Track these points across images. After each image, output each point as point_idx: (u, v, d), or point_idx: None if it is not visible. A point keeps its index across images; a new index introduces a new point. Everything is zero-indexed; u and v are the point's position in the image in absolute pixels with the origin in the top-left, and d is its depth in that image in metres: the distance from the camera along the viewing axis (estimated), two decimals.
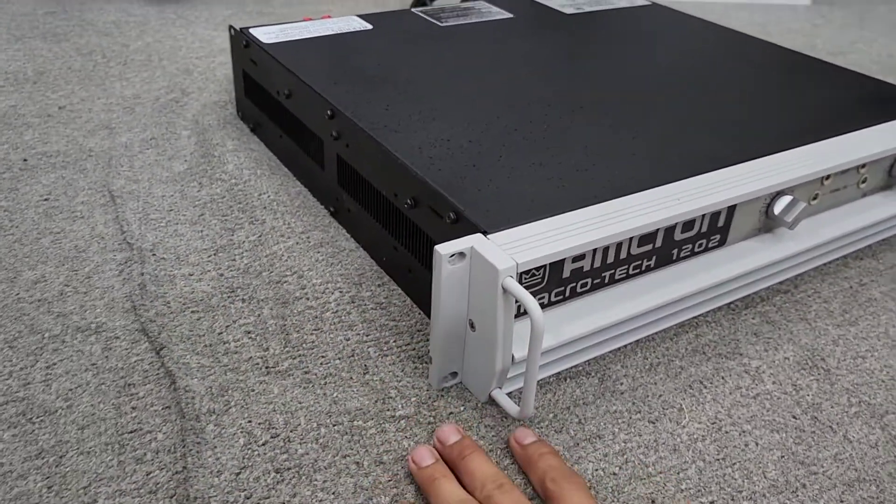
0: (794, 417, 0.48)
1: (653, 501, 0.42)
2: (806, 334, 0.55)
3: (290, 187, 0.71)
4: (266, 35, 0.77)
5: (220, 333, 0.53)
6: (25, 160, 0.74)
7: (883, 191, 0.66)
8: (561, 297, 0.49)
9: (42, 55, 1.01)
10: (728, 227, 0.56)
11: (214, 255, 0.61)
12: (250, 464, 0.43)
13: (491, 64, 0.72)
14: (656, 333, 0.55)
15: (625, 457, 0.45)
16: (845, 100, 0.68)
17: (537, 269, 0.47)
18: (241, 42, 0.78)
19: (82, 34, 1.10)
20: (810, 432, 0.47)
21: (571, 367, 0.51)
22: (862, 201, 0.64)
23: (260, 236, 0.63)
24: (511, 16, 0.87)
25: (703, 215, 0.53)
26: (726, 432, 0.47)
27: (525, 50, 0.76)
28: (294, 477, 0.42)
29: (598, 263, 0.50)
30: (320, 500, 0.41)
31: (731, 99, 0.66)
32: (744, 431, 0.47)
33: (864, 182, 0.63)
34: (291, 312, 0.55)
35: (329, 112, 0.62)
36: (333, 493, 0.42)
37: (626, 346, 0.53)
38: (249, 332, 0.53)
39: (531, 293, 0.47)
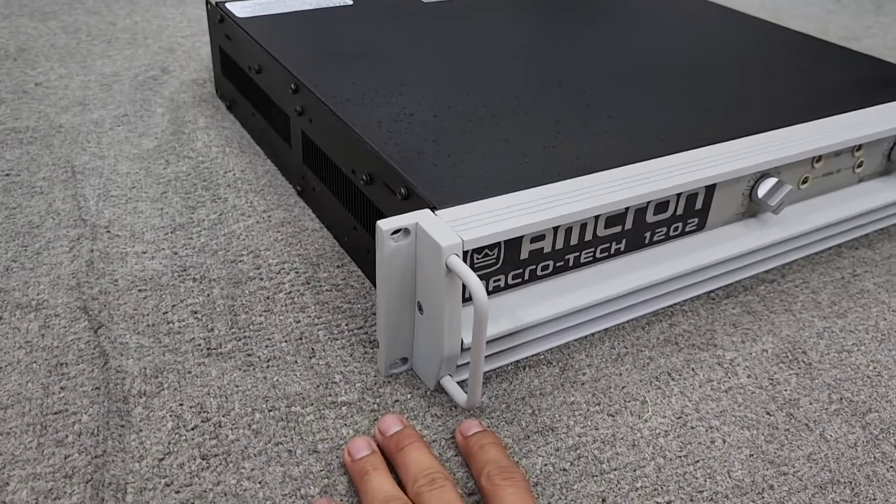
0: (767, 414, 0.45)
1: (603, 500, 0.39)
2: (789, 326, 0.52)
3: (259, 166, 0.68)
4: (242, 9, 0.74)
5: (165, 313, 0.50)
6: None
7: (881, 176, 0.62)
8: (519, 279, 0.46)
9: (27, 32, 0.99)
10: (707, 210, 0.52)
11: (171, 233, 0.58)
12: (175, 449, 0.40)
13: (472, 41, 0.69)
14: (627, 322, 0.52)
15: (578, 451, 0.42)
16: (845, 80, 0.64)
17: (491, 248, 0.43)
18: (217, 17, 0.75)
19: (70, 12, 1.08)
20: (784, 430, 0.44)
21: (532, 356, 0.48)
22: (858, 187, 0.60)
23: (220, 214, 0.61)
24: None
25: (679, 196, 0.50)
26: (692, 428, 0.44)
27: (510, 27, 0.73)
28: (221, 464, 0.40)
29: (560, 245, 0.46)
30: (245, 490, 0.39)
31: (723, 78, 0.63)
32: (711, 427, 0.44)
33: (860, 166, 0.59)
34: (243, 293, 0.52)
35: (293, 86, 0.59)
36: (260, 483, 0.39)
37: (593, 334, 0.50)
38: (196, 313, 0.50)
39: (485, 274, 0.44)
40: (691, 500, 0.39)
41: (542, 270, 0.47)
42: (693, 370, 0.48)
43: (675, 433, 0.43)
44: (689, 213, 0.51)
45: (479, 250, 0.43)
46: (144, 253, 0.56)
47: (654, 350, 0.49)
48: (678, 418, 0.44)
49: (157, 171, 0.67)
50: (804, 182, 0.56)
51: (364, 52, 0.65)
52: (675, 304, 0.53)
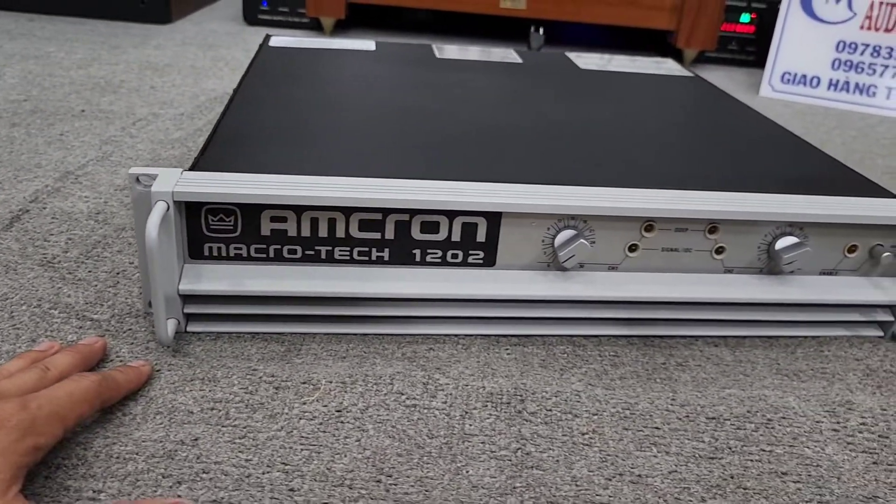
0: (428, 437, 0.43)
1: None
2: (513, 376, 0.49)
3: None
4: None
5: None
6: None
7: (764, 274, 0.55)
8: (263, 255, 0.51)
9: None
10: (494, 245, 0.52)
11: None
12: None
13: (435, 92, 0.75)
14: (365, 335, 0.52)
15: (224, 405, 0.45)
16: (769, 167, 0.59)
17: (226, 213, 0.49)
18: None
19: None
20: (419, 455, 0.42)
21: (260, 332, 0.51)
22: (720, 276, 0.54)
23: None
24: (521, 61, 0.88)
25: (451, 221, 0.50)
26: (342, 422, 0.44)
27: (485, 82, 0.77)
28: None
29: (306, 232, 0.50)
30: None
31: (625, 139, 0.61)
32: (359, 427, 0.44)
33: (720, 252, 0.54)
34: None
35: None
36: None
37: (328, 334, 0.52)
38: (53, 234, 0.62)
39: (223, 238, 0.49)
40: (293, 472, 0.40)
41: (289, 253, 0.51)
42: (394, 381, 0.48)
43: (319, 420, 0.44)
44: (469, 243, 0.51)
45: (213, 212, 0.49)
46: None
47: (381, 356, 0.50)
48: (338, 412, 0.45)
49: None
50: (632, 249, 0.53)
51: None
52: (427, 335, 0.53)
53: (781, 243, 0.53)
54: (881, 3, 1.18)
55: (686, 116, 0.71)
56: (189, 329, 0.51)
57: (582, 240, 0.50)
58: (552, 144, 0.60)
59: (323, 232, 0.50)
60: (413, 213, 0.50)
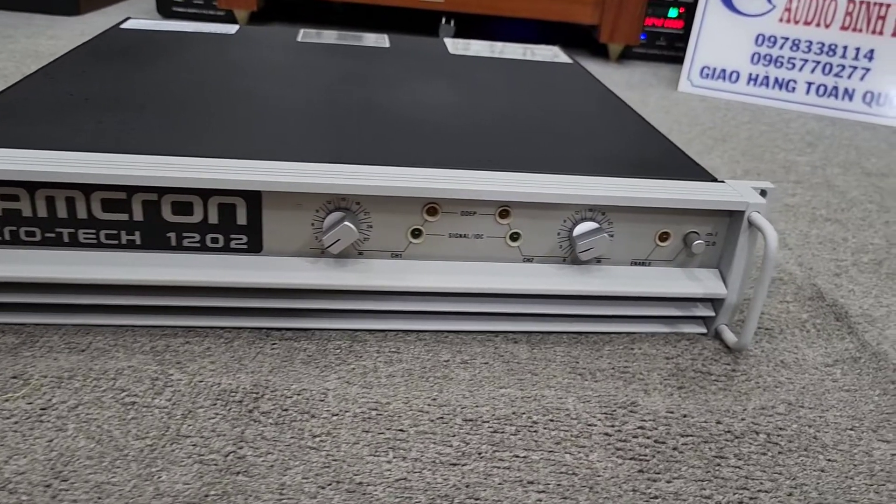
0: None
1: None
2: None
3: None
4: None
5: None
6: None
7: (572, 264, 0.50)
8: None
9: None
10: (258, 229, 0.47)
11: None
12: None
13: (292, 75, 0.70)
14: (119, 326, 0.48)
15: None
16: (591, 150, 0.54)
17: None
18: None
19: None
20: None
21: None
22: (518, 266, 0.50)
23: None
24: (388, 46, 0.83)
25: (205, 202, 0.46)
26: (41, 421, 0.39)
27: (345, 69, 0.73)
28: None
29: (43, 213, 0.45)
30: None
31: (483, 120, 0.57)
32: (65, 423, 0.39)
33: (515, 238, 0.49)
34: None
35: None
36: None
37: (77, 325, 0.47)
38: None
39: None
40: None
41: (26, 236, 0.46)
42: (119, 377, 0.43)
43: (16, 418, 0.39)
44: (230, 226, 0.47)
45: None
46: None
47: (126, 349, 0.45)
48: (42, 410, 0.40)
49: None
50: (416, 235, 0.48)
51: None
52: (192, 326, 0.48)
53: (579, 229, 0.48)
54: None
55: (529, 99, 0.67)
56: None
57: (347, 223, 0.46)
58: (349, 123, 0.55)
59: (62, 212, 0.46)
60: (161, 192, 0.45)
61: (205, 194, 0.46)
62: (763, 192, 0.51)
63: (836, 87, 1.15)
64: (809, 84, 1.16)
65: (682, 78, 1.22)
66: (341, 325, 0.49)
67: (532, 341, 0.50)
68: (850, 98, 1.14)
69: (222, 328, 0.48)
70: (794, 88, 1.17)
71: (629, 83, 1.26)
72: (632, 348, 0.50)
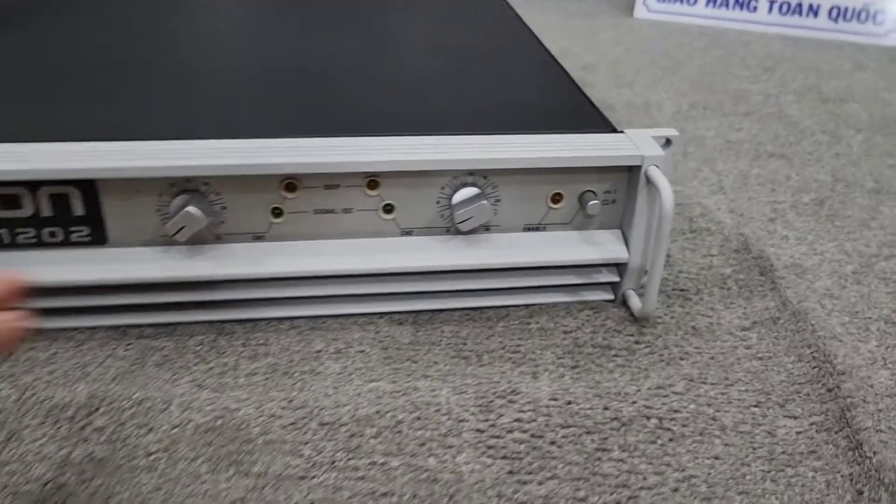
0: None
1: None
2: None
3: None
4: None
5: None
6: None
7: (456, 235, 0.45)
8: None
9: None
10: (99, 220, 0.42)
11: None
12: None
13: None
14: None
15: None
16: (476, 102, 0.48)
17: None
18: None
19: None
20: None
21: None
22: (392, 240, 0.45)
23: None
24: None
25: (35, 194, 0.41)
26: None
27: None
28: None
29: None
30: None
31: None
32: None
33: (389, 210, 0.44)
34: None
35: None
36: None
37: None
38: None
39: None
40: None
41: None
42: None
43: None
44: (68, 218, 0.42)
45: None
46: None
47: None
48: None
49: None
50: (277, 214, 0.43)
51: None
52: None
53: (457, 197, 0.43)
54: None
55: (417, 41, 0.60)
56: None
57: (190, 208, 0.41)
58: (192, 89, 0.50)
59: None
60: None
61: (31, 186, 0.41)
62: (668, 142, 0.46)
63: (800, 4, 1.07)
64: (772, 2, 1.08)
65: (637, 3, 1.15)
66: (203, 318, 0.45)
67: (419, 322, 0.46)
68: (816, 14, 1.07)
69: (73, 329, 0.44)
70: (755, 8, 1.09)
71: (580, 12, 1.18)
72: (528, 323, 0.46)
